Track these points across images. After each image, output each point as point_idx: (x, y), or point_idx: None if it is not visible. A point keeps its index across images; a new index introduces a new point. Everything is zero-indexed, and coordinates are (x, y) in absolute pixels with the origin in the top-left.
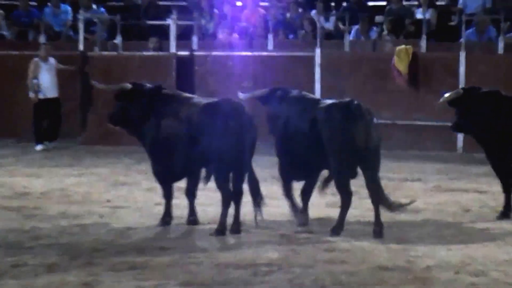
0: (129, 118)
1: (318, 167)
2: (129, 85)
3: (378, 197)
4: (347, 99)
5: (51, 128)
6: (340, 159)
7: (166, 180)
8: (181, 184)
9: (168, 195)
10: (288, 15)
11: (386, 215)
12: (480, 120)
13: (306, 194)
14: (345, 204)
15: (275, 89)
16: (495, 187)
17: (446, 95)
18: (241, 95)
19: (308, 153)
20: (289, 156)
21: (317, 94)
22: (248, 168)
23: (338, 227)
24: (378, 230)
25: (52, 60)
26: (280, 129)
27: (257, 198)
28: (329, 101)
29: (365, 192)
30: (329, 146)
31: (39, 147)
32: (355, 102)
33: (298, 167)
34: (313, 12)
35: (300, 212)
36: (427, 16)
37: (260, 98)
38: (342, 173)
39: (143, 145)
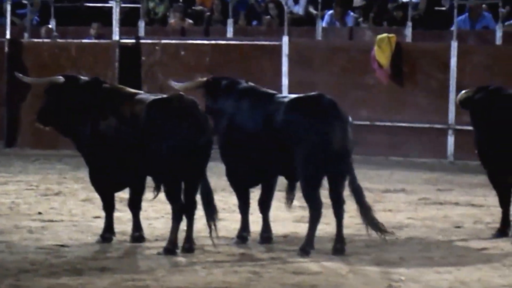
0: (61, 117)
1: (274, 172)
2: (61, 78)
3: (343, 209)
4: (315, 93)
5: None
6: (310, 165)
7: (106, 190)
8: (125, 194)
9: (108, 207)
10: None
11: (365, 232)
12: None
13: (264, 205)
14: (315, 217)
15: (217, 79)
16: (491, 200)
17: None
18: (174, 84)
19: (261, 156)
20: (238, 159)
21: (284, 89)
22: (202, 176)
23: (307, 245)
24: (340, 247)
25: None
26: (225, 127)
27: (211, 211)
28: (291, 96)
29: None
30: (296, 149)
31: None
32: (327, 96)
33: (248, 173)
34: None
35: (243, 231)
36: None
37: (200, 89)
38: (311, 181)
39: (78, 148)
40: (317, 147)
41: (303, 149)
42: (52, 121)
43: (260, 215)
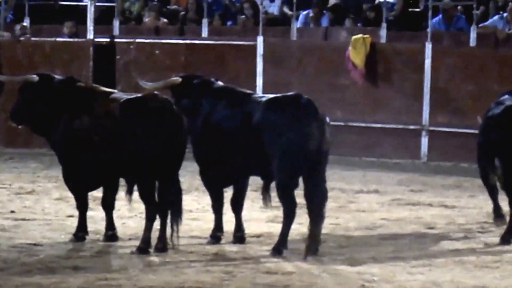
0: (35, 115)
1: (247, 172)
2: (35, 77)
3: (322, 210)
4: (293, 93)
5: None
6: (286, 165)
7: (79, 189)
8: (98, 193)
9: (82, 206)
10: None
11: (338, 232)
12: None
13: (236, 204)
14: (289, 217)
15: (188, 78)
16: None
17: None
18: (144, 84)
19: (236, 156)
20: (212, 159)
21: (259, 89)
22: (176, 175)
23: (280, 245)
24: (314, 248)
25: None
26: (200, 127)
27: (176, 212)
28: (268, 95)
29: None
30: (272, 149)
31: None
32: (305, 96)
33: (222, 172)
34: None
35: (217, 231)
36: (391, 0)
37: (172, 88)
38: (287, 181)
39: (52, 147)
40: (293, 147)
41: (280, 149)
42: (25, 120)
43: (233, 214)
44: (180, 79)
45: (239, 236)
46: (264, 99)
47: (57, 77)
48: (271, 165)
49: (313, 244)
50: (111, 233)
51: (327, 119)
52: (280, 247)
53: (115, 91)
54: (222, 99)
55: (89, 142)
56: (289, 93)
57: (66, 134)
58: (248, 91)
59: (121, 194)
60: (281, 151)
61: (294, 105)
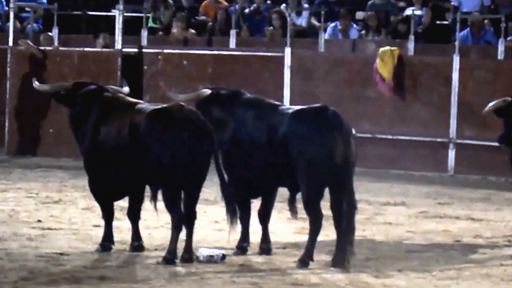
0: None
1: (275, 183)
2: (69, 85)
3: (352, 222)
4: (319, 105)
5: None
6: (313, 176)
7: (105, 199)
8: (124, 203)
9: (108, 216)
10: (253, 7)
11: (365, 244)
12: None
13: (263, 215)
14: (315, 228)
15: (219, 90)
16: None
17: (492, 103)
18: (174, 96)
19: (264, 168)
20: (240, 170)
21: (286, 101)
22: (200, 186)
23: (306, 256)
24: (339, 259)
25: None
26: (227, 139)
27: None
28: (295, 107)
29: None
30: (298, 160)
31: None
32: (331, 108)
33: (250, 183)
34: (284, 5)
35: (243, 242)
36: (419, 13)
37: (200, 100)
38: (313, 193)
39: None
40: (319, 159)
41: (306, 161)
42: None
43: (260, 226)
44: (209, 91)
45: (265, 247)
46: (290, 110)
47: (91, 86)
48: (297, 177)
49: (343, 255)
50: (137, 244)
51: (353, 131)
52: (306, 259)
53: (141, 101)
54: (250, 111)
55: (115, 152)
56: (316, 105)
57: (92, 143)
58: (276, 103)
59: (147, 204)
60: (307, 163)
61: (320, 116)
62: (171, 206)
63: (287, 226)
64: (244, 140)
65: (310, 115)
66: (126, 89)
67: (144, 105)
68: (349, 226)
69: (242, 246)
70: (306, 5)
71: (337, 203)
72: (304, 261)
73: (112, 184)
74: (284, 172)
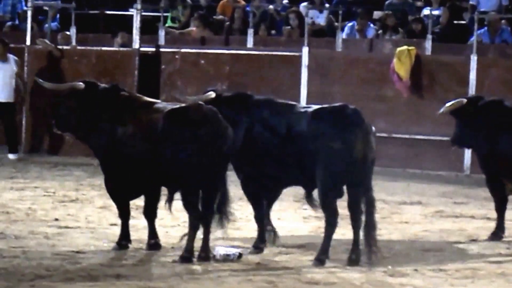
0: (80, 123)
1: (288, 182)
2: (81, 84)
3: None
4: (340, 104)
5: (7, 139)
6: (331, 174)
7: (121, 197)
8: (141, 201)
9: (124, 214)
10: (271, 7)
11: (381, 243)
12: (480, 134)
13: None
14: (331, 226)
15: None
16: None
17: (448, 103)
18: (182, 97)
19: (280, 166)
20: (254, 169)
21: (303, 100)
22: (221, 185)
23: (322, 254)
24: (355, 258)
25: (12, 59)
26: (241, 138)
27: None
28: (315, 106)
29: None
30: (318, 158)
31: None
32: (351, 106)
33: (265, 182)
34: (302, 5)
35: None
36: (437, 13)
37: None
38: (331, 191)
39: (95, 154)
40: (338, 157)
41: (325, 159)
42: (70, 127)
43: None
44: (214, 94)
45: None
46: (310, 109)
47: (102, 85)
48: (313, 175)
49: (358, 253)
50: (153, 242)
51: (373, 129)
52: (321, 257)
53: (158, 101)
54: (264, 110)
55: (131, 151)
56: (336, 104)
57: (108, 143)
58: (291, 102)
59: (163, 203)
60: (325, 161)
61: (340, 114)
62: (189, 205)
63: (303, 225)
64: (261, 139)
65: (330, 113)
66: None
67: (162, 104)
68: (370, 223)
69: (259, 246)
70: (327, 5)
71: (355, 201)
72: (320, 260)
73: (129, 183)
74: (301, 170)
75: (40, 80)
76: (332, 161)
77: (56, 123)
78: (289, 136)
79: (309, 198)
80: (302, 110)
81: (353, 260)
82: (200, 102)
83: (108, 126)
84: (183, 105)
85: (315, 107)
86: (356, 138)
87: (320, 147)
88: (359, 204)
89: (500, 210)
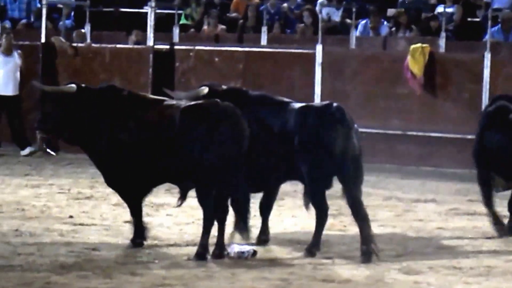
0: (70, 126)
1: (282, 177)
2: (73, 87)
3: (362, 213)
4: (326, 102)
5: (13, 134)
6: (314, 168)
7: (132, 196)
8: (156, 199)
9: (136, 213)
10: (285, 5)
11: (396, 240)
12: None
13: (266, 209)
14: (321, 219)
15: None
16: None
17: None
18: (175, 94)
19: (273, 162)
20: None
21: (317, 98)
22: (238, 182)
23: (313, 246)
24: (366, 249)
25: (16, 54)
26: None
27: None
28: (301, 104)
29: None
30: (302, 154)
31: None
32: (335, 104)
33: (259, 178)
34: (320, 1)
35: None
36: (450, 10)
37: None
38: (316, 185)
39: (91, 156)
40: (320, 152)
41: (308, 154)
42: (55, 129)
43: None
44: (207, 89)
45: (264, 239)
46: (296, 107)
47: (96, 87)
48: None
49: (366, 249)
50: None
51: (355, 125)
52: (313, 249)
53: (165, 98)
54: (257, 106)
55: (139, 150)
56: (324, 102)
57: (112, 143)
58: (285, 99)
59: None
60: (309, 155)
61: (323, 111)
62: (204, 202)
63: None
64: (254, 135)
65: (314, 110)
66: None
67: (173, 101)
68: (359, 219)
69: (261, 239)
70: (344, 2)
71: (349, 197)
72: (311, 251)
73: (140, 181)
74: (292, 166)
75: (37, 83)
76: (315, 156)
77: (38, 124)
78: (279, 132)
79: (306, 196)
80: (293, 107)
81: (365, 252)
82: (217, 100)
83: (108, 127)
84: (200, 101)
85: (301, 104)
86: (336, 133)
87: (303, 142)
88: (355, 199)
89: (489, 205)
